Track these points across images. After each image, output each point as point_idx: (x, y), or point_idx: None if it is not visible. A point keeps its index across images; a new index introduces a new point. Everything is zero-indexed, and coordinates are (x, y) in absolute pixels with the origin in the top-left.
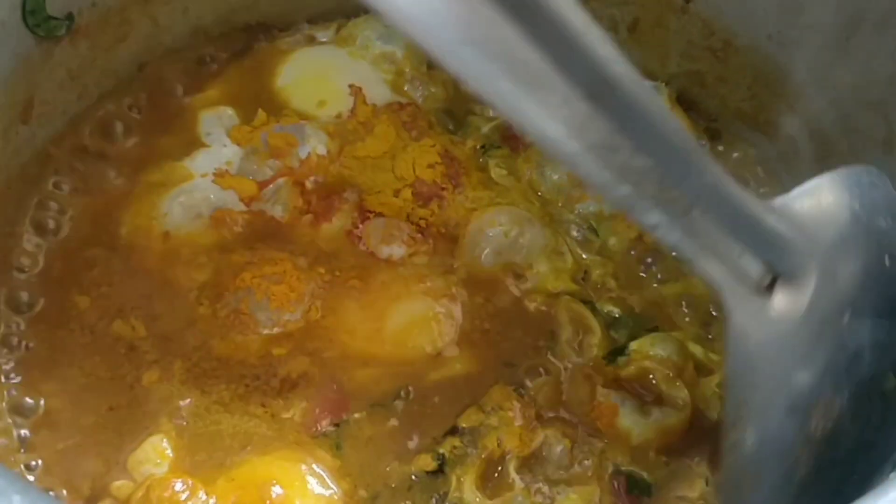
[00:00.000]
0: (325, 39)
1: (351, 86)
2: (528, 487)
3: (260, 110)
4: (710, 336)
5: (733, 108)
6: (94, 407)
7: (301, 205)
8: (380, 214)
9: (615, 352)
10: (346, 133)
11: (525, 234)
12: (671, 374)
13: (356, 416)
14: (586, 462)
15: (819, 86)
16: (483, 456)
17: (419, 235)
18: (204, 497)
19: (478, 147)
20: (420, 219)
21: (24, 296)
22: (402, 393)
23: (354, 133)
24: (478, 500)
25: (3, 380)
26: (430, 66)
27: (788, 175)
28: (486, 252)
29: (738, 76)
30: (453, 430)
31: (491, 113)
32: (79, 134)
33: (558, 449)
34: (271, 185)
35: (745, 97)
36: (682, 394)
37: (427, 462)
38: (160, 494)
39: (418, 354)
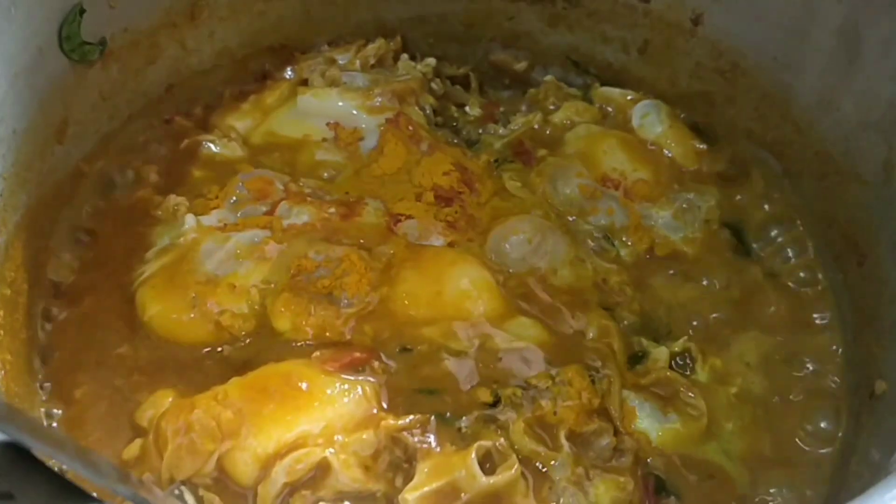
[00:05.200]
0: (343, 62)
1: (328, 124)
2: (574, 457)
3: (214, 187)
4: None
5: (742, 128)
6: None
7: (324, 212)
8: (409, 216)
9: (634, 359)
10: (359, 157)
11: (548, 240)
12: (686, 384)
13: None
14: (623, 459)
15: (823, 107)
16: (536, 413)
17: (452, 230)
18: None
19: (491, 161)
20: (446, 217)
21: (56, 310)
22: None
23: (367, 157)
24: (525, 441)
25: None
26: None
27: (794, 193)
28: (511, 258)
29: (746, 97)
30: (517, 384)
31: (502, 130)
32: (110, 153)
33: (604, 442)
34: (282, 204)
35: (752, 117)
36: (699, 403)
37: (485, 395)
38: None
39: (480, 314)
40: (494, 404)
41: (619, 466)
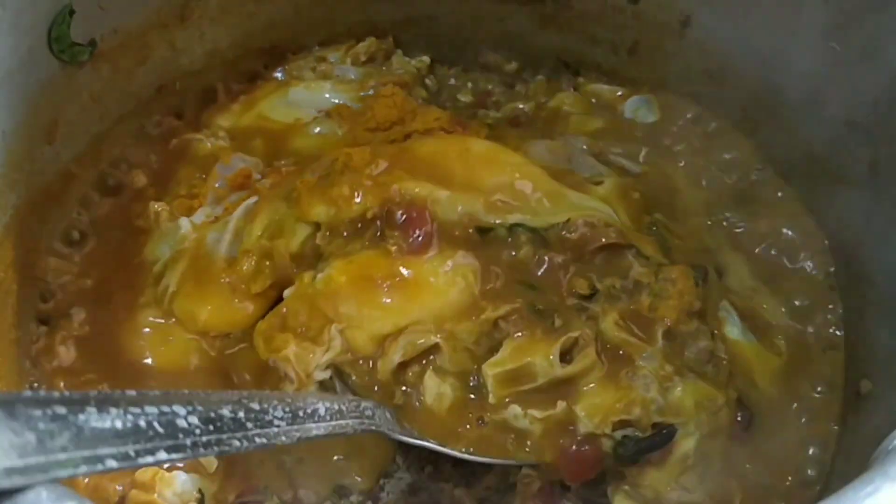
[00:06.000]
0: (333, 60)
1: (319, 111)
2: (666, 354)
3: (196, 181)
4: None
5: (731, 127)
6: None
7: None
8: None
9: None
10: (353, 115)
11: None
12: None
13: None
14: (719, 372)
15: (810, 108)
16: (632, 307)
17: None
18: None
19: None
20: None
21: (45, 308)
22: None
23: (360, 113)
24: (615, 332)
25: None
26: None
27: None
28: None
29: (734, 98)
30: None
31: (494, 113)
32: (100, 154)
33: (702, 344)
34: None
35: (740, 118)
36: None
37: (582, 285)
38: None
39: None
40: (591, 296)
41: (712, 377)
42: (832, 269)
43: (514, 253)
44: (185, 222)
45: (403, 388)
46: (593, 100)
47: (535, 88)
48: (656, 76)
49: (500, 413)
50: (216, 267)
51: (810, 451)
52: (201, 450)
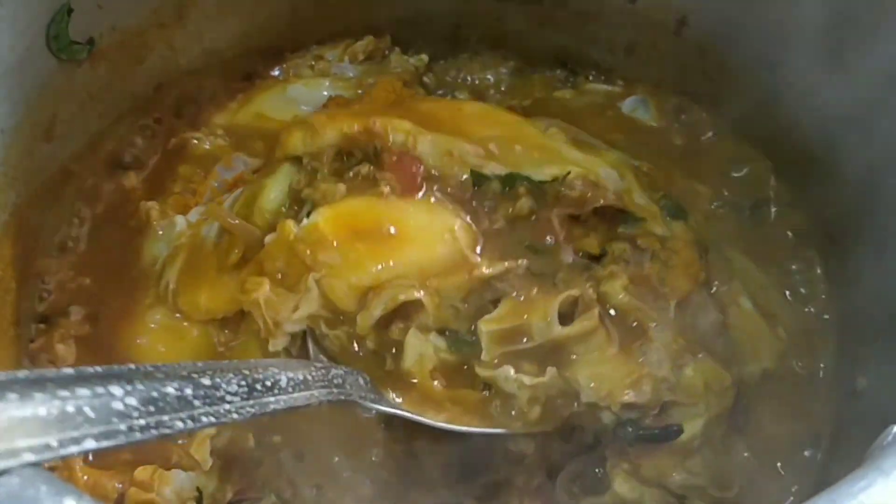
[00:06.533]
0: (331, 58)
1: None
2: (678, 326)
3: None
4: None
5: (728, 128)
6: None
7: None
8: None
9: None
10: (349, 103)
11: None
12: None
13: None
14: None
15: (806, 106)
16: (642, 273)
17: None
18: None
19: None
20: None
21: (44, 306)
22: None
23: (357, 100)
24: (621, 296)
25: None
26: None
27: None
28: None
29: (731, 96)
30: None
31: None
32: (98, 152)
33: (712, 317)
34: None
35: (738, 116)
36: None
37: (591, 244)
38: None
39: None
40: (598, 258)
41: (721, 356)
42: (827, 265)
43: (510, 209)
44: (180, 220)
45: (393, 350)
46: (594, 99)
47: (532, 87)
48: (653, 76)
49: (491, 372)
50: (206, 253)
51: (806, 451)
52: (137, 434)
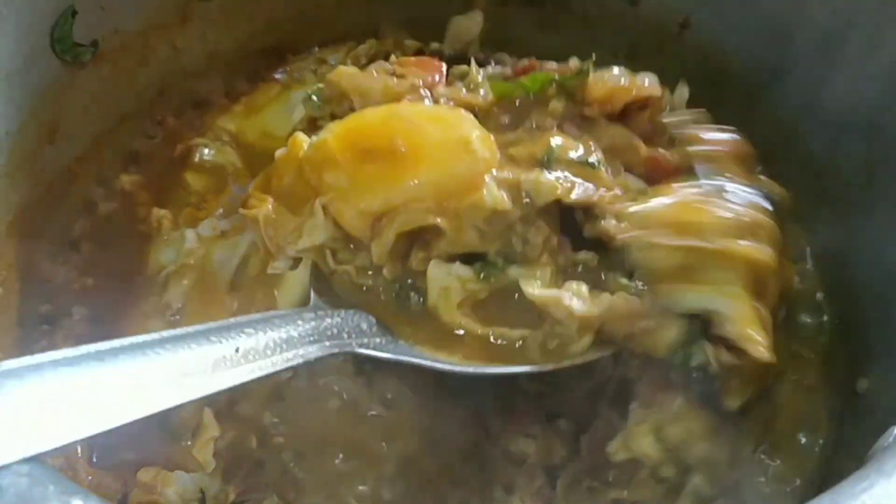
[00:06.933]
0: (334, 62)
1: None
2: None
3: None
4: None
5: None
6: None
7: None
8: None
9: None
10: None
11: None
12: None
13: None
14: None
15: (806, 109)
16: None
17: None
18: None
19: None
20: None
21: (47, 307)
22: None
23: None
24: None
25: None
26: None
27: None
28: None
29: (733, 100)
30: None
31: None
32: (102, 154)
33: None
34: None
35: (738, 121)
36: None
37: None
38: None
39: None
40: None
41: None
42: (827, 268)
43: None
44: (190, 234)
45: (412, 289)
46: None
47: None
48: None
49: (547, 292)
50: (220, 289)
51: (807, 451)
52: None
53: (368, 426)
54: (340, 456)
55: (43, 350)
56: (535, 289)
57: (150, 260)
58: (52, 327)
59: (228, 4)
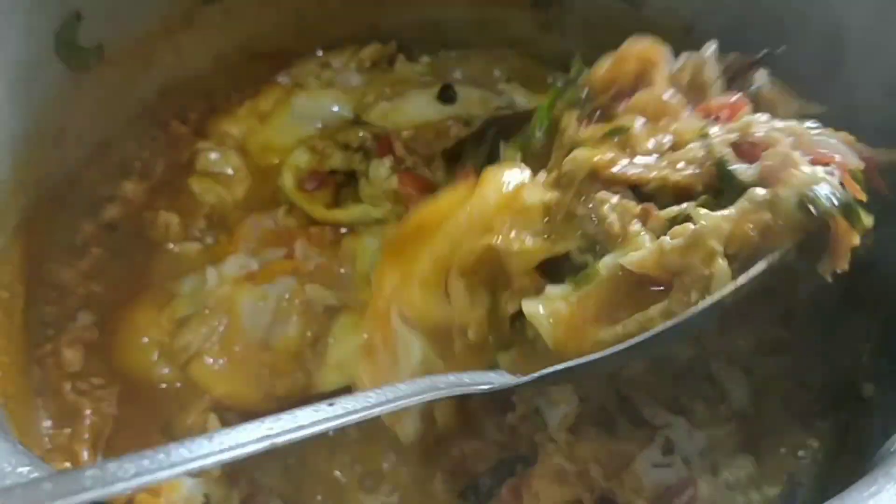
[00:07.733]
0: (338, 66)
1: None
2: None
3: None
4: None
5: None
6: None
7: None
8: None
9: None
10: None
11: None
12: None
13: None
14: None
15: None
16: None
17: None
18: None
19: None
20: None
21: (52, 311)
22: None
23: None
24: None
25: None
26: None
27: None
28: None
29: None
30: None
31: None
32: (107, 158)
33: None
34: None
35: None
36: None
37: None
38: None
39: None
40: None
41: None
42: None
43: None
44: (212, 273)
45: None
46: None
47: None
48: None
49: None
50: (249, 348)
51: (811, 457)
52: None
53: (373, 432)
54: (345, 461)
55: (47, 354)
56: (635, 256)
57: (154, 272)
58: (58, 332)
59: (232, 8)
